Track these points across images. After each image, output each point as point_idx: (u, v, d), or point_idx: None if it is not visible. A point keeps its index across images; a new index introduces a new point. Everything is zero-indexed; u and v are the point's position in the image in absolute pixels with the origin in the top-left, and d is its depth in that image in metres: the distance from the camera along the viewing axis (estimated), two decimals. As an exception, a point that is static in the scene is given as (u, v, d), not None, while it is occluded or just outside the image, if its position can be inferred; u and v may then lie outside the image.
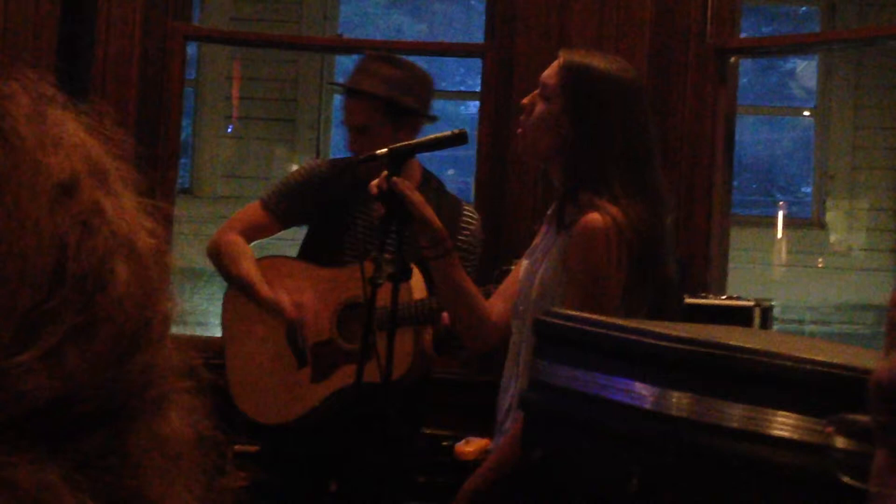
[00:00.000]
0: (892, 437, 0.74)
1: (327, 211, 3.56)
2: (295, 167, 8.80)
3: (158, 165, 4.36)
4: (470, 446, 3.77)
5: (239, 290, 3.56)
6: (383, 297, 2.87)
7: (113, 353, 0.62)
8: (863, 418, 0.78)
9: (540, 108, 2.80)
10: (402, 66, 3.58)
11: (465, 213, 3.59)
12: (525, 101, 2.85)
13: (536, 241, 2.94)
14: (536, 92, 2.84)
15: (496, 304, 2.98)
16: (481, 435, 3.71)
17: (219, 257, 3.57)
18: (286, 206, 3.57)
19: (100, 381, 0.61)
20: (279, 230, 3.64)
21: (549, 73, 2.82)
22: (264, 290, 3.50)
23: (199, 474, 0.67)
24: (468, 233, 3.56)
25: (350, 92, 3.53)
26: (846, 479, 0.80)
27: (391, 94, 3.44)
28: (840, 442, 1.52)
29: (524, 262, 2.95)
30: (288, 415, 3.47)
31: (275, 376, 3.51)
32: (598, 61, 2.80)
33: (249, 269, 3.54)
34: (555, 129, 2.77)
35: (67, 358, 0.60)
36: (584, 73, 2.78)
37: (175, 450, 0.65)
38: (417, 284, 3.26)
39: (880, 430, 0.76)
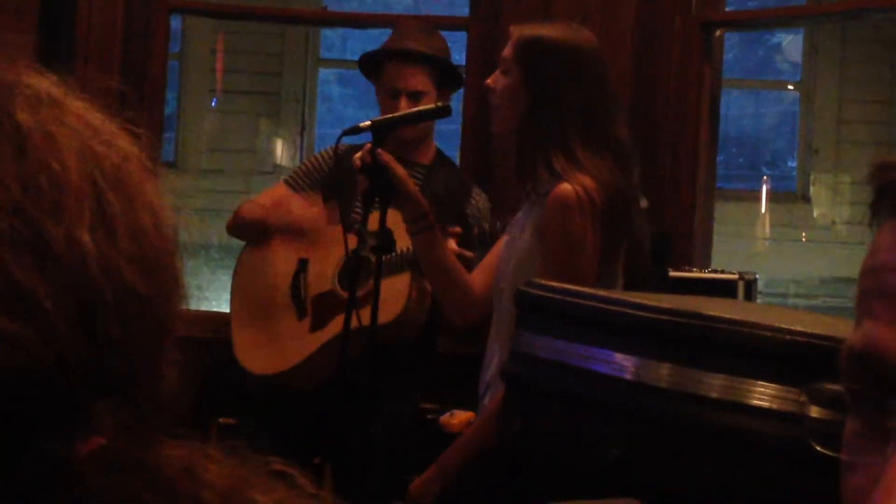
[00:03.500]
0: (864, 406, 0.75)
1: (337, 187, 3.61)
2: (279, 141, 8.87)
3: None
4: (455, 419, 3.78)
5: (257, 229, 3.65)
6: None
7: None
8: (836, 387, 0.79)
9: (501, 82, 2.87)
10: (439, 36, 3.65)
11: (474, 195, 3.64)
12: (489, 81, 2.92)
13: (515, 217, 2.96)
14: (498, 70, 2.90)
15: (479, 278, 3.00)
16: (466, 408, 3.72)
17: (235, 219, 3.71)
18: (308, 184, 3.65)
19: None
20: None
21: (506, 49, 2.89)
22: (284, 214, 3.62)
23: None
24: (474, 208, 3.60)
25: (410, 56, 3.56)
26: (819, 448, 0.81)
27: (448, 61, 3.53)
28: (814, 411, 1.53)
29: (505, 238, 2.97)
30: (286, 364, 3.52)
31: (277, 328, 3.58)
32: (547, 30, 2.90)
33: (263, 212, 3.66)
34: (515, 99, 2.84)
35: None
36: (534, 43, 2.85)
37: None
38: None
39: (852, 399, 0.76)
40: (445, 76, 3.63)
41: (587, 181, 2.69)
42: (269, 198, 3.73)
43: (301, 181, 3.69)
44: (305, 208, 3.63)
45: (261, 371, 3.57)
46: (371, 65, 3.66)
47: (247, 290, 3.69)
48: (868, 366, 0.73)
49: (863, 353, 0.74)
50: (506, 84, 2.87)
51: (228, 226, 3.74)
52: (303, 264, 3.60)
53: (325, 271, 3.55)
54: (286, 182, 3.73)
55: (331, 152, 3.71)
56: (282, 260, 3.63)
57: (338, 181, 3.59)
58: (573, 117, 2.77)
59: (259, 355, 3.60)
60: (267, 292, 3.63)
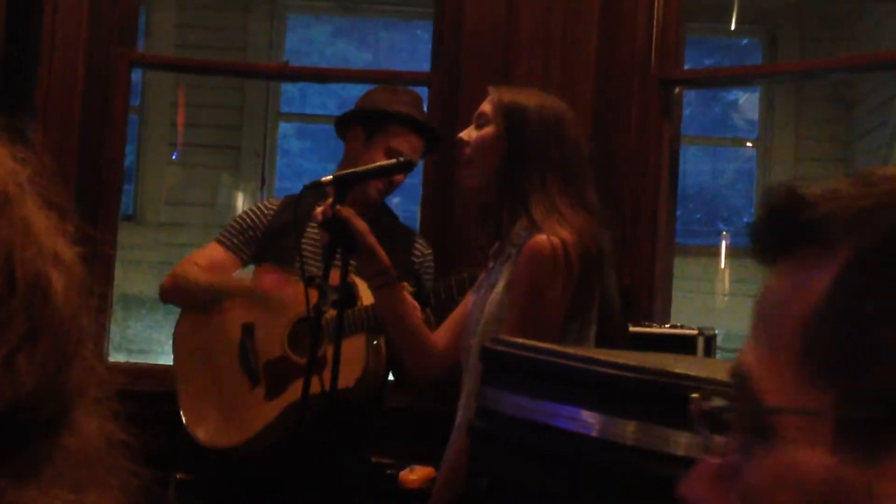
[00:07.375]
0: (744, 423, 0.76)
1: (276, 241, 3.58)
2: (239, 194, 8.85)
3: (102, 192, 4.32)
4: (414, 474, 3.76)
5: (206, 297, 3.58)
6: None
7: (54, 362, 0.61)
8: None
9: (478, 133, 2.86)
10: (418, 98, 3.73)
11: (417, 244, 3.64)
12: (462, 135, 2.91)
13: (482, 276, 2.95)
14: (472, 126, 2.90)
15: (442, 335, 2.98)
16: (426, 463, 3.70)
17: (176, 282, 3.60)
18: (242, 241, 3.61)
19: (42, 390, 0.60)
20: (238, 267, 3.67)
21: (484, 106, 2.90)
22: (236, 280, 3.58)
23: (112, 478, 0.66)
24: (418, 256, 3.60)
25: (417, 124, 3.63)
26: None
27: (441, 136, 3.60)
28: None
29: (471, 298, 2.96)
30: (244, 434, 3.45)
31: (229, 398, 3.50)
32: (525, 94, 2.93)
33: (210, 277, 3.57)
34: (493, 149, 2.83)
35: (19, 366, 0.59)
36: (516, 102, 2.87)
37: (88, 456, 0.64)
38: (367, 291, 3.26)
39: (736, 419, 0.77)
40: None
41: (566, 234, 2.67)
42: (205, 260, 3.64)
43: (235, 239, 3.64)
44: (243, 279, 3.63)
45: (216, 444, 3.49)
46: (365, 119, 3.65)
47: (191, 357, 3.60)
48: (736, 382, 0.74)
49: (733, 371, 0.76)
50: (484, 134, 2.86)
51: (166, 287, 3.63)
52: (248, 330, 3.54)
53: (272, 336, 3.49)
54: (219, 241, 3.67)
55: (265, 208, 3.68)
56: (224, 327, 3.56)
57: (287, 234, 3.55)
58: (554, 172, 2.77)
59: (212, 427, 3.51)
60: (212, 361, 3.55)
